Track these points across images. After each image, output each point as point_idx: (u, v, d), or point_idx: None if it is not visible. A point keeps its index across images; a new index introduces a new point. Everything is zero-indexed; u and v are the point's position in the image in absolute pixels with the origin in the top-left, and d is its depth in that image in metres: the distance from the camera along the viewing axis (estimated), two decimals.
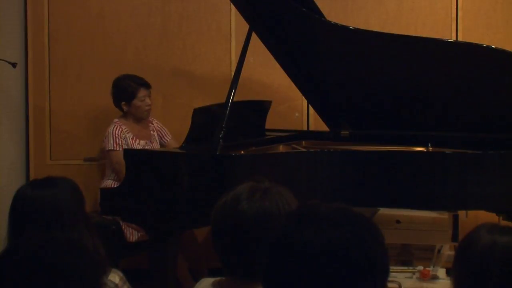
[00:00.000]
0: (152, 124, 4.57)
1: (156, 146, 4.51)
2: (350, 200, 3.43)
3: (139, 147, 4.39)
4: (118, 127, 4.37)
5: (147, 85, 4.42)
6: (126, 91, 4.39)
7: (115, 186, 4.24)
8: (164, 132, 4.59)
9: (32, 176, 4.81)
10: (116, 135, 4.34)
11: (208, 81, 4.95)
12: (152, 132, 4.54)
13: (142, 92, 4.39)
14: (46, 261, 1.39)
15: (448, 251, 3.90)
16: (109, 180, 4.37)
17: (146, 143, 4.45)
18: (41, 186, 2.22)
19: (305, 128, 4.92)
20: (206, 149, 3.63)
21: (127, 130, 4.39)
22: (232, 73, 4.38)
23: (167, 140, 4.57)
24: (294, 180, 3.50)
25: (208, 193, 3.43)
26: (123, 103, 4.41)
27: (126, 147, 4.29)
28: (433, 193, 3.51)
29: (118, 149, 4.31)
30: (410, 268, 3.75)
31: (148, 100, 4.41)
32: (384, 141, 3.98)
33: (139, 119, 4.45)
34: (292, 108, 4.96)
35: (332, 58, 4.04)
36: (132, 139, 4.39)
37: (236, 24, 4.88)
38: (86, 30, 4.93)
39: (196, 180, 3.54)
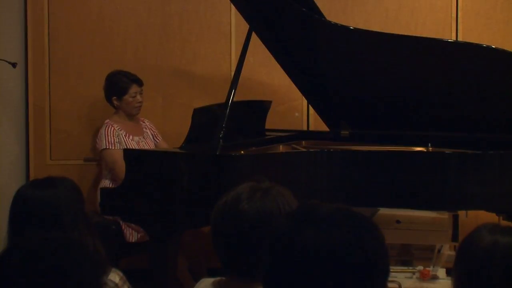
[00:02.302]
0: (144, 122, 4.59)
1: (150, 142, 4.51)
2: (350, 200, 3.43)
3: (133, 143, 4.40)
4: (110, 126, 4.38)
5: (139, 82, 4.43)
6: (117, 86, 4.40)
7: (112, 186, 4.25)
8: (155, 132, 4.60)
9: (32, 176, 4.81)
10: (108, 134, 4.35)
11: (208, 81, 4.95)
12: (144, 129, 4.55)
13: (133, 88, 4.40)
14: (47, 261, 1.39)
15: (448, 251, 3.90)
16: (107, 180, 4.37)
17: (140, 139, 4.46)
18: (41, 186, 2.22)
19: (305, 128, 4.92)
20: (206, 149, 3.63)
21: (119, 128, 4.39)
22: (232, 73, 4.38)
23: (157, 141, 4.58)
24: (294, 180, 3.50)
25: (208, 193, 3.43)
26: (114, 98, 4.41)
27: (120, 145, 4.31)
28: (433, 193, 3.51)
29: (111, 147, 4.32)
30: (410, 268, 3.74)
31: (139, 97, 4.42)
32: (384, 141, 3.98)
33: (129, 115, 4.45)
34: (292, 108, 4.96)
35: (332, 58, 4.04)
36: (126, 136, 4.39)
37: (236, 24, 4.88)
38: (86, 30, 4.93)
39: (196, 180, 3.54)
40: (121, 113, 4.45)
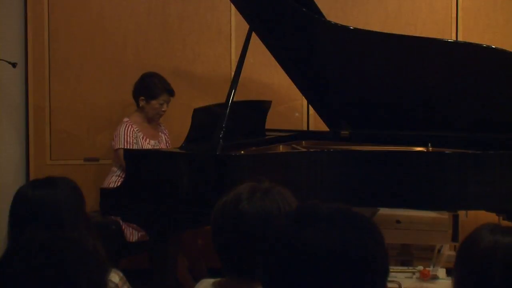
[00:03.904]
0: (160, 126, 4.59)
1: (163, 147, 4.52)
2: (350, 200, 3.43)
3: (149, 146, 4.42)
4: (130, 127, 4.39)
5: (171, 93, 4.43)
6: (150, 89, 4.40)
7: (119, 183, 4.25)
8: (168, 138, 4.61)
9: (32, 176, 4.81)
10: (127, 134, 4.36)
11: (208, 81, 4.95)
12: (160, 133, 4.56)
13: (164, 97, 4.41)
14: (52, 261, 1.39)
15: (448, 251, 3.90)
16: (114, 177, 4.38)
17: (156, 143, 4.48)
18: (41, 186, 2.22)
19: (305, 128, 4.92)
20: (206, 149, 3.63)
21: (137, 130, 4.41)
22: (232, 73, 4.38)
23: (166, 147, 4.58)
24: (294, 180, 3.50)
25: (208, 193, 3.43)
26: (141, 98, 4.41)
27: (136, 146, 4.33)
28: (433, 193, 3.51)
29: (127, 147, 4.32)
30: (410, 268, 3.75)
31: (165, 106, 4.43)
32: (384, 141, 3.98)
33: (149, 119, 4.46)
34: (292, 108, 4.96)
35: (332, 58, 4.04)
36: (143, 138, 4.41)
37: (236, 24, 4.88)
38: (86, 30, 4.93)
39: (196, 180, 3.54)
40: (142, 114, 4.45)
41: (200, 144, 3.77)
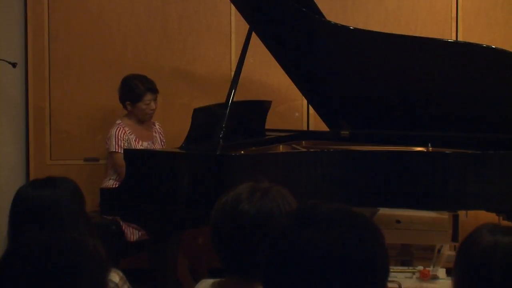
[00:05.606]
0: (155, 126, 4.57)
1: (158, 147, 4.50)
2: (350, 200, 3.43)
3: (142, 148, 4.39)
4: (121, 129, 4.36)
5: (154, 90, 4.39)
6: (133, 92, 4.37)
7: (116, 185, 4.24)
8: (162, 137, 4.59)
9: (32, 176, 4.81)
10: (119, 137, 4.33)
11: (208, 81, 4.95)
12: (154, 133, 4.54)
13: (148, 96, 4.37)
14: (54, 261, 1.39)
15: (448, 251, 3.90)
16: (111, 180, 4.37)
17: (149, 144, 4.45)
18: (42, 186, 2.22)
19: (305, 128, 4.92)
20: (206, 149, 3.63)
21: (130, 132, 4.38)
22: (232, 73, 4.38)
23: (163, 147, 4.57)
24: (294, 180, 3.50)
25: (208, 193, 3.43)
26: (127, 102, 4.39)
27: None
28: (433, 193, 3.51)
29: (120, 151, 4.30)
30: (410, 268, 3.74)
31: (153, 105, 4.40)
32: (384, 141, 3.99)
33: (141, 120, 4.45)
34: (292, 108, 4.96)
35: (332, 58, 4.04)
36: (135, 140, 4.39)
37: (236, 24, 4.88)
38: (86, 30, 4.93)
39: (196, 180, 3.54)
40: (133, 116, 4.43)
41: (200, 144, 3.77)
